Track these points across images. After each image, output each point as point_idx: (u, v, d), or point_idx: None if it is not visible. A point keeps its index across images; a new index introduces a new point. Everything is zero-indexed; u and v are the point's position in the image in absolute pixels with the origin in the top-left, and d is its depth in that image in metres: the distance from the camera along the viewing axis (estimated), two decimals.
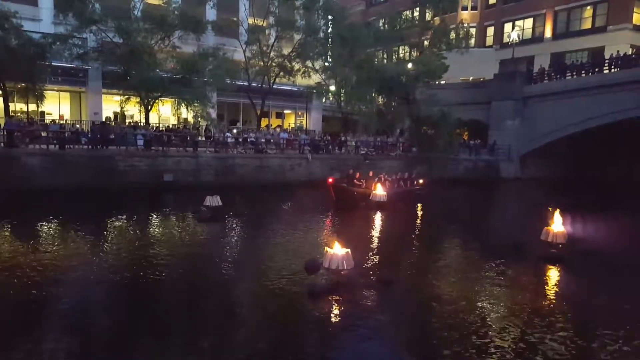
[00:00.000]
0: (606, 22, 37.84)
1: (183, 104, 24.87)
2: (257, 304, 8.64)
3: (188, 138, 23.89)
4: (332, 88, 32.33)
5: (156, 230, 14.63)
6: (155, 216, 16.35)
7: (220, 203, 15.51)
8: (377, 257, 11.92)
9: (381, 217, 17.97)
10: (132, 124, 26.67)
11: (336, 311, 8.46)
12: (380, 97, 32.56)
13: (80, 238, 12.91)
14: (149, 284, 9.24)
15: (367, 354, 6.97)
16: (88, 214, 15.56)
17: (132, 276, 9.58)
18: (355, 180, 20.09)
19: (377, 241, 14.39)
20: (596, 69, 31.46)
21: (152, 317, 7.82)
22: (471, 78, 41.06)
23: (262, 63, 29.79)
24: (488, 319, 8.18)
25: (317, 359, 6.83)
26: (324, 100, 35.17)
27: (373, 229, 16.36)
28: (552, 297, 9.79)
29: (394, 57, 40.68)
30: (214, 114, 28.33)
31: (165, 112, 31.36)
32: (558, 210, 12.76)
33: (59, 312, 7.78)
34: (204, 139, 25.18)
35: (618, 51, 31.44)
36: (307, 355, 6.88)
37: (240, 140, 25.87)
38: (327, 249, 9.48)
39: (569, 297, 9.76)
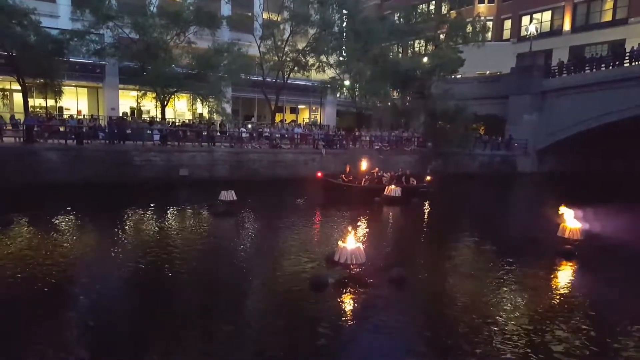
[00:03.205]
0: (627, 14, 36.89)
1: (198, 99, 25.03)
2: (267, 298, 8.70)
3: (204, 133, 24.05)
4: (347, 83, 32.20)
5: (172, 224, 14.79)
6: (171, 210, 16.53)
7: (235, 197, 15.64)
8: (387, 253, 11.90)
9: (393, 213, 17.92)
10: (148, 119, 26.95)
11: (345, 306, 8.46)
12: (395, 91, 32.32)
13: (97, 231, 13.14)
14: (165, 277, 9.37)
15: (376, 351, 6.95)
16: (105, 207, 15.84)
17: (148, 269, 9.74)
18: (343, 176, 20.06)
19: (387, 238, 14.38)
20: (617, 62, 30.72)
21: (167, 308, 7.93)
22: (488, 72, 40.48)
23: (276, 58, 29.79)
24: (503, 316, 8.10)
25: (324, 354, 6.83)
26: (338, 95, 35.04)
27: (384, 226, 16.32)
28: (568, 293, 9.69)
29: (409, 51, 40.30)
30: (228, 109, 28.44)
31: (181, 108, 31.66)
32: (564, 205, 12.58)
33: (76, 304, 7.95)
34: (219, 134, 25.33)
35: (639, 44, 30.67)
36: (312, 349, 6.88)
37: (255, 135, 25.95)
38: (339, 242, 9.49)
39: (585, 293, 9.64)
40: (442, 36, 36.14)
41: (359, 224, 15.09)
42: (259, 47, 29.72)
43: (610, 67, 30.69)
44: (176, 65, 24.32)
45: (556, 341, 7.18)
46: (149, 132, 22.87)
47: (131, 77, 25.55)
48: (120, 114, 27.62)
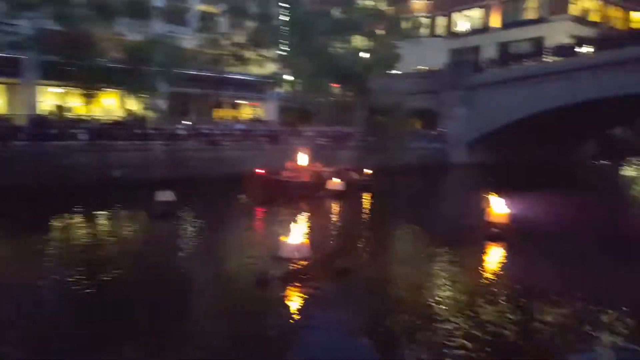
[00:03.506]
0: (547, 13, 39.65)
1: (130, 95, 23.82)
2: (211, 300, 8.47)
3: (137, 131, 22.90)
4: (288, 77, 32.02)
5: (105, 229, 14.00)
6: (103, 214, 15.60)
7: (174, 198, 15.00)
8: (331, 246, 12.00)
9: (335, 207, 18.09)
10: (74, 117, 25.25)
11: (291, 301, 8.41)
12: (336, 87, 32.60)
13: (22, 241, 12.05)
14: (99, 285, 8.78)
15: (324, 342, 6.97)
16: (29, 215, 14.59)
17: (79, 279, 9.03)
18: (284, 172, 20.01)
19: (330, 231, 14.50)
20: (537, 58, 32.93)
21: (102, 320, 7.45)
22: (422, 68, 41.88)
23: (213, 51, 28.95)
24: (440, 299, 8.51)
25: (272, 351, 6.77)
26: (280, 90, 34.75)
27: (327, 219, 16.42)
28: (496, 272, 10.51)
29: (348, 46, 40.75)
30: (163, 105, 27.29)
31: (111, 104, 29.94)
32: (492, 193, 13.39)
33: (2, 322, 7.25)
34: (153, 131, 24.23)
35: (563, 43, 32.95)
36: (260, 347, 6.79)
37: (193, 132, 25.10)
38: (283, 238, 9.42)
39: (511, 271, 10.55)
40: (380, 32, 36.89)
41: (302, 218, 15.02)
42: (194, 40, 28.72)
43: (532, 63, 32.86)
44: (104, 59, 22.93)
45: (487, 317, 7.64)
46: (75, 131, 21.41)
47: (54, 72, 23.75)
48: (43, 113, 25.62)
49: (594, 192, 24.43)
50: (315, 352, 6.73)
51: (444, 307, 8.07)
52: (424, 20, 45.84)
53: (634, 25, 42.65)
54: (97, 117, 25.79)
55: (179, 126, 25.46)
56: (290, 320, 7.60)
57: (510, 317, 7.70)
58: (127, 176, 20.29)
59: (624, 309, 8.13)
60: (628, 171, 36.59)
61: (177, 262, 10.41)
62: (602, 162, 38.61)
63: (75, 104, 26.36)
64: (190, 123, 27.87)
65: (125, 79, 22.63)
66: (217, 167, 23.22)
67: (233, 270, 9.81)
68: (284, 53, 32.06)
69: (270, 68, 31.37)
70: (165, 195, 14.87)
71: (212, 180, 21.88)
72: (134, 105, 26.44)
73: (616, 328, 7.46)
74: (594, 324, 7.58)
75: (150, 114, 24.72)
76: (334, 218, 16.99)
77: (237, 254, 11.00)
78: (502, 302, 8.33)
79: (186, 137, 24.55)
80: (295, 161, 20.95)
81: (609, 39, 33.00)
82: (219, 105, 33.66)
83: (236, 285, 9.02)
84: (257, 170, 19.56)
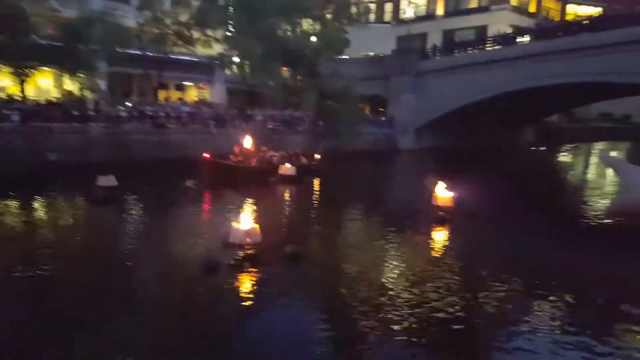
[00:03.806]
0: (489, 2, 41.07)
1: (66, 75, 22.42)
2: (158, 288, 8.27)
3: (75, 113, 21.62)
4: (235, 59, 31.23)
5: (42, 216, 13.22)
6: (39, 201, 14.71)
7: (116, 183, 14.40)
8: (282, 231, 12.07)
9: (286, 192, 18.10)
10: (6, 97, 23.44)
11: (241, 286, 8.41)
12: (285, 70, 32.21)
13: None
14: (37, 278, 8.34)
15: (273, 328, 7.01)
16: None
17: (17, 271, 8.52)
18: (232, 156, 19.73)
19: (281, 216, 14.50)
20: (481, 46, 34.12)
21: (45, 312, 7.12)
22: (371, 53, 42.25)
23: (156, 30, 27.70)
24: (389, 281, 8.78)
25: (220, 337, 6.76)
26: (227, 72, 33.88)
27: (278, 204, 16.42)
28: (442, 254, 10.96)
29: (297, 29, 40.30)
30: (103, 85, 25.89)
31: (47, 84, 28.07)
32: (438, 178, 13.96)
33: None
34: (93, 113, 22.98)
35: (504, 32, 34.25)
36: (209, 334, 6.76)
37: (137, 114, 24.05)
38: (233, 223, 9.34)
39: (456, 252, 11.01)
40: (328, 16, 36.70)
41: (252, 204, 14.94)
42: (136, 17, 27.34)
43: (476, 51, 34.01)
44: (37, 36, 21.35)
45: (433, 298, 7.96)
46: (7, 112, 19.91)
47: None
48: None
49: (531, 176, 25.93)
50: (264, 340, 6.68)
51: (392, 291, 8.30)
52: (372, 6, 46.06)
53: (568, 17, 45.17)
54: (31, 98, 24.10)
55: (121, 108, 24.27)
56: (240, 307, 7.56)
57: (455, 297, 8.01)
58: (65, 160, 19.17)
59: (558, 287, 8.76)
60: (562, 157, 39.17)
61: (120, 250, 10.04)
62: (539, 148, 40.92)
63: (7, 83, 24.45)
64: (131, 105, 26.64)
65: (60, 58, 21.21)
66: (163, 150, 22.46)
67: (180, 258, 9.60)
68: (231, 34, 31.15)
69: (216, 49, 30.49)
70: (107, 180, 14.25)
71: (157, 164, 21.15)
72: (71, 85, 24.89)
73: (550, 306, 8.04)
74: (530, 302, 8.13)
75: (88, 95, 23.37)
76: (286, 203, 16.99)
77: (184, 240, 10.77)
78: (448, 284, 8.62)
79: (129, 119, 23.51)
80: (243, 145, 20.57)
81: (545, 29, 34.72)
82: (163, 87, 32.42)
83: (184, 273, 8.85)
84: (205, 155, 19.07)
